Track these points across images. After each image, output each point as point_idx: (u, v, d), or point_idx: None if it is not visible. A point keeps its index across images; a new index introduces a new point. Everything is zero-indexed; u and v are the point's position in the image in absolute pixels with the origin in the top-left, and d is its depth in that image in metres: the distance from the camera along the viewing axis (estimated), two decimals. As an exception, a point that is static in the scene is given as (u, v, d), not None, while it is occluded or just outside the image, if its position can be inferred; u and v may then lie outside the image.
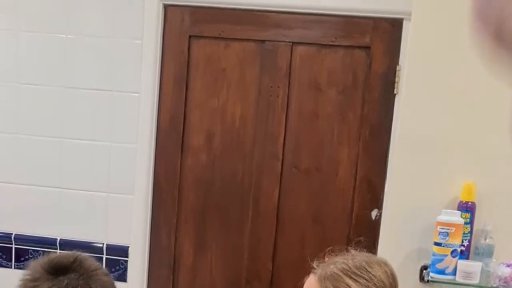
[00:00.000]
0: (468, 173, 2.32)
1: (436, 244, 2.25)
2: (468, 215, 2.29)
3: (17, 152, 3.03)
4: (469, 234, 2.30)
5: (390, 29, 2.76)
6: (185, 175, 2.98)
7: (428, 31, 2.36)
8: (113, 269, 2.98)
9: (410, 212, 2.38)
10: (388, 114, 2.77)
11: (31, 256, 3.04)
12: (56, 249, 2.99)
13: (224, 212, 2.98)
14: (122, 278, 2.98)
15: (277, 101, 2.88)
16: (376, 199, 2.83)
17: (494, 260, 2.25)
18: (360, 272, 1.56)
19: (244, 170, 2.94)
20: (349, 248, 1.69)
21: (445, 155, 2.35)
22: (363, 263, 1.58)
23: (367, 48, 2.79)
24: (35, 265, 1.53)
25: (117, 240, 3.01)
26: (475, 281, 2.22)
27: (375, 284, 1.55)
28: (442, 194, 2.34)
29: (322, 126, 2.86)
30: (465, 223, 2.27)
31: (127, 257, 3.01)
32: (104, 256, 2.98)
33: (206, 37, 2.90)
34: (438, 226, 2.24)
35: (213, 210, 2.98)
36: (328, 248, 1.70)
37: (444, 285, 2.30)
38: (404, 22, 2.69)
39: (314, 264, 1.65)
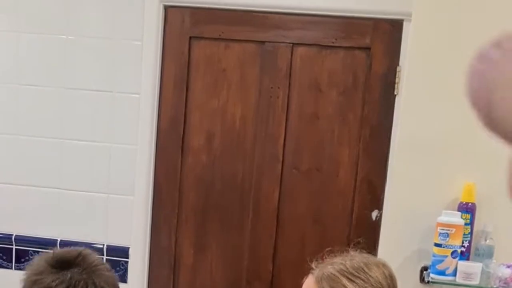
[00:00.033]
0: (468, 174, 2.32)
1: (436, 245, 2.25)
2: (468, 216, 2.29)
3: (17, 153, 3.03)
4: (469, 235, 2.30)
5: (390, 30, 2.76)
6: (185, 176, 2.98)
7: (428, 32, 2.36)
8: (113, 270, 2.98)
9: (411, 213, 2.37)
10: (388, 115, 2.78)
11: (31, 257, 3.04)
12: (57, 250, 2.99)
13: (225, 213, 2.98)
14: (123, 279, 2.98)
15: (277, 102, 2.88)
16: (376, 200, 2.83)
17: (494, 261, 2.25)
18: (357, 273, 1.56)
19: (245, 171, 2.94)
20: (348, 249, 1.69)
21: (446, 155, 2.35)
22: (361, 264, 1.58)
23: (367, 49, 2.79)
24: (39, 259, 1.57)
25: (118, 241, 3.01)
26: (475, 282, 2.22)
27: (372, 285, 1.54)
28: (442, 195, 2.34)
29: (323, 127, 2.87)
30: (465, 224, 2.27)
31: (127, 258, 3.01)
32: (105, 257, 2.98)
33: (206, 38, 2.91)
34: (438, 227, 2.24)
35: (214, 211, 2.98)
36: (327, 249, 1.70)
37: (444, 286, 2.29)
38: (404, 23, 2.70)
39: (313, 265, 1.65)
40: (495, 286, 2.20)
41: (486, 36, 0.63)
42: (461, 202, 2.31)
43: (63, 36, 2.95)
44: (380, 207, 2.81)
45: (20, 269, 3.01)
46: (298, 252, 2.90)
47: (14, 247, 3.08)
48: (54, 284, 1.50)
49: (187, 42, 2.91)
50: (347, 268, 1.57)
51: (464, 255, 2.29)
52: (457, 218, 2.25)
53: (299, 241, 2.92)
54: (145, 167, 2.95)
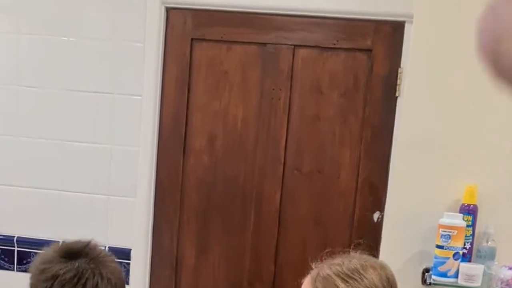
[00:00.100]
0: (470, 176, 2.32)
1: (438, 246, 2.25)
2: (470, 217, 2.29)
3: (18, 155, 3.03)
4: (471, 237, 2.30)
5: (392, 32, 2.76)
6: (187, 178, 2.98)
7: (429, 34, 2.36)
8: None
9: (412, 215, 2.37)
10: (390, 116, 2.77)
11: (33, 259, 3.04)
12: (58, 251, 2.99)
13: (226, 214, 2.98)
14: (125, 280, 2.97)
15: (279, 104, 2.88)
16: (378, 202, 2.83)
17: (496, 262, 2.25)
18: (352, 274, 1.55)
19: (246, 173, 2.94)
20: (350, 250, 1.68)
21: (447, 157, 2.35)
22: (358, 265, 1.57)
23: (368, 50, 2.79)
24: (48, 250, 1.66)
25: (119, 242, 3.01)
26: (477, 283, 2.22)
27: (366, 286, 1.54)
28: (444, 196, 2.34)
29: (324, 129, 2.87)
30: (467, 225, 2.27)
31: (129, 259, 3.01)
32: (106, 259, 2.98)
33: (208, 40, 2.91)
34: (440, 229, 2.24)
35: (215, 212, 2.98)
36: (327, 250, 1.70)
37: None
38: (406, 25, 2.70)
39: (313, 266, 1.65)
40: (496, 288, 2.21)
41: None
42: (463, 204, 2.31)
43: (64, 38, 2.95)
44: (381, 209, 2.81)
45: (22, 271, 3.01)
46: (299, 254, 2.90)
47: (16, 248, 3.08)
48: (61, 272, 1.56)
49: (188, 44, 2.91)
50: (342, 269, 1.56)
51: (466, 257, 2.29)
52: (459, 220, 2.25)
53: (301, 243, 2.92)
54: (147, 168, 2.95)
